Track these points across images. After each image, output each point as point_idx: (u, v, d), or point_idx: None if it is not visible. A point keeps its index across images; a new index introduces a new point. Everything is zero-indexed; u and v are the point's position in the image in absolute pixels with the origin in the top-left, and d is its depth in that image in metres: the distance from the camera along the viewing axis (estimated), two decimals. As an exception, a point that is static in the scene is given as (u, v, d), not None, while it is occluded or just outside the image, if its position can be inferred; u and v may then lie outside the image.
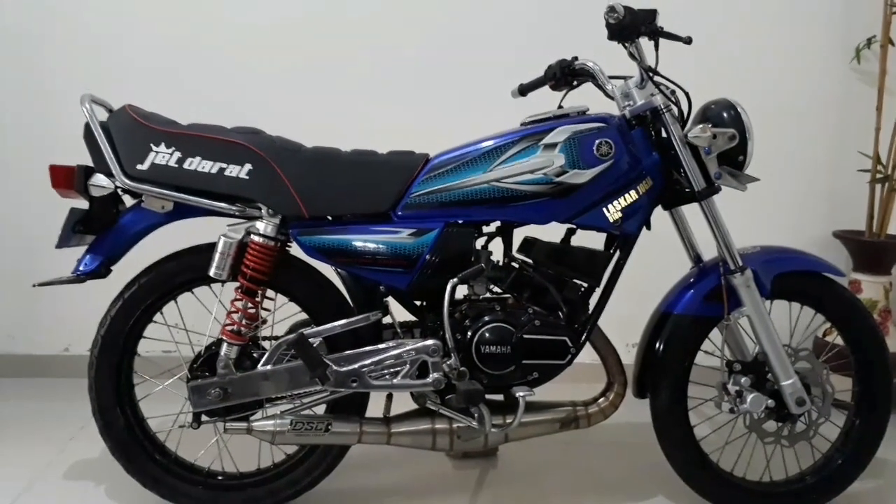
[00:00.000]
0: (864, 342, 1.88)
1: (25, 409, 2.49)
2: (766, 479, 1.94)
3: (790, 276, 1.83)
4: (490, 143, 1.71)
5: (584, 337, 1.77)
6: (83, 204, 1.71)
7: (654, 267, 2.36)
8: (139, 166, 1.66)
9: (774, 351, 1.79)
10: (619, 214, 1.72)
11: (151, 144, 1.66)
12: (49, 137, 2.68)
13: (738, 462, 1.99)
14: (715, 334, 1.85)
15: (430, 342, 1.70)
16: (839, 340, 1.93)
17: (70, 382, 2.69)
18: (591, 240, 1.84)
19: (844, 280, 2.05)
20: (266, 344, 1.81)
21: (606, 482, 2.09)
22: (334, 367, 1.68)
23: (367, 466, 2.12)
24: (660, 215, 1.82)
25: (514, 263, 1.83)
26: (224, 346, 1.72)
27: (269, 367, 1.72)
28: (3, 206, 2.72)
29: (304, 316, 1.84)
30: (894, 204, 2.72)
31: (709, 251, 1.87)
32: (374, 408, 1.84)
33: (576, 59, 1.83)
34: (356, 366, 1.69)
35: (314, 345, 1.69)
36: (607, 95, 1.78)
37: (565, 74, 1.84)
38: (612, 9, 1.68)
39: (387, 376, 1.71)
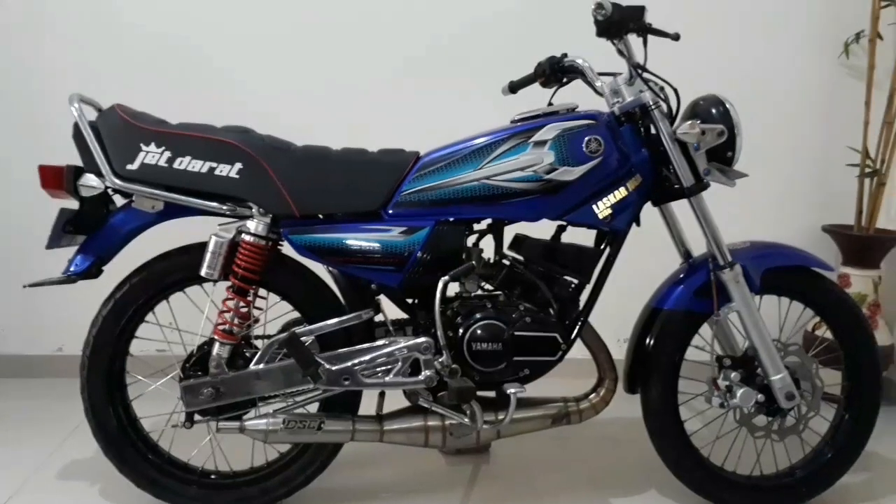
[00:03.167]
0: (853, 336, 1.89)
1: (18, 409, 2.48)
2: (756, 473, 1.96)
3: (779, 271, 1.84)
4: (480, 140, 1.71)
5: (574, 333, 1.78)
6: (73, 204, 1.70)
7: (644, 263, 2.37)
8: (129, 166, 1.66)
9: (764, 346, 1.80)
10: (609, 211, 1.73)
11: (141, 144, 1.66)
12: (39, 137, 2.67)
13: (728, 456, 2.01)
14: (705, 330, 1.86)
15: (421, 340, 1.70)
16: (828, 335, 1.94)
17: (63, 382, 2.68)
18: (581, 237, 1.84)
19: (833, 274, 2.07)
20: (258, 343, 1.81)
21: (598, 477, 2.10)
22: (326, 366, 1.68)
23: (360, 464, 2.13)
24: (649, 212, 1.83)
25: (504, 261, 1.83)
26: (216, 346, 1.72)
27: (261, 366, 1.72)
28: (-6, 207, 2.71)
29: (296, 315, 1.84)
30: (883, 198, 2.74)
31: (698, 247, 1.88)
32: (367, 406, 1.84)
33: (565, 55, 1.83)
34: (348, 364, 1.70)
35: (306, 343, 1.69)
36: (596, 92, 1.79)
37: (555, 71, 1.85)
38: (599, 5, 1.69)
39: (379, 374, 1.71)
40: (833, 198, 2.91)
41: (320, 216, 1.74)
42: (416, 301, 1.83)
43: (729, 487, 1.89)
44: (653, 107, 1.72)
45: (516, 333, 1.73)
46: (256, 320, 1.81)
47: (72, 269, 1.71)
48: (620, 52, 1.76)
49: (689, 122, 1.71)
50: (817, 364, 1.88)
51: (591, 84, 1.79)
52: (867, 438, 1.92)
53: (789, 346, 1.86)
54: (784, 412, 1.85)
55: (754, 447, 2.04)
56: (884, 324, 2.71)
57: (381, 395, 1.87)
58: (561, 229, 1.87)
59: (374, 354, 1.71)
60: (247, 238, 1.70)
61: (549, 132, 1.69)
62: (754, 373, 1.83)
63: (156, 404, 1.91)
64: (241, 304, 1.73)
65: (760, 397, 1.81)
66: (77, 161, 1.69)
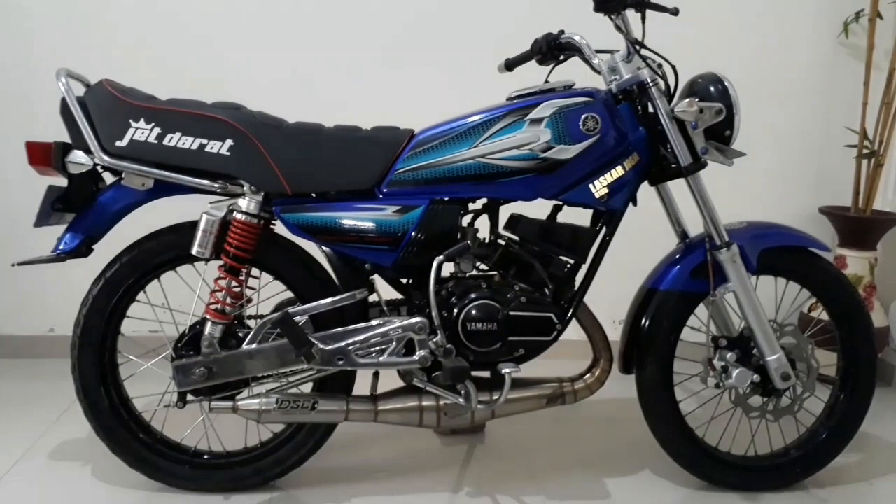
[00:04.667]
0: (848, 317, 1.89)
1: (9, 389, 2.47)
2: (751, 454, 1.96)
3: (776, 251, 1.84)
4: (476, 118, 1.69)
5: (570, 313, 1.77)
6: (62, 181, 1.68)
7: (641, 243, 2.36)
8: (118, 142, 1.63)
9: (760, 326, 1.79)
10: (606, 190, 1.71)
11: (130, 120, 1.63)
12: (27, 113, 2.63)
13: (723, 436, 2.01)
14: (701, 310, 1.85)
15: (416, 320, 1.69)
16: (824, 316, 1.94)
17: (55, 363, 2.68)
18: (577, 216, 1.83)
19: (830, 255, 2.05)
20: (251, 323, 1.80)
21: (593, 457, 2.10)
22: (320, 346, 1.67)
23: (354, 444, 2.12)
24: (646, 191, 1.82)
25: (500, 240, 1.82)
26: (208, 325, 1.71)
27: (254, 345, 1.71)
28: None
29: (289, 294, 1.82)
30: (880, 180, 2.73)
31: (695, 227, 1.87)
32: (361, 386, 1.83)
33: (562, 32, 1.80)
34: (342, 344, 1.68)
35: (300, 323, 1.68)
36: (594, 70, 1.77)
37: (552, 48, 1.82)
38: (597, -20, 1.66)
39: (373, 354, 1.70)
40: (830, 178, 2.90)
41: (313, 194, 1.72)
42: (411, 281, 1.82)
43: (724, 467, 1.90)
44: (650, 84, 1.70)
45: (511, 313, 1.71)
46: (249, 300, 1.79)
47: (61, 247, 1.69)
48: (618, 28, 1.74)
49: (688, 99, 1.69)
50: (813, 345, 1.88)
51: (588, 61, 1.76)
52: (862, 419, 1.92)
53: (785, 326, 1.86)
54: (779, 393, 1.85)
55: (749, 427, 2.05)
56: (879, 305, 2.71)
57: (376, 375, 1.87)
58: (557, 209, 1.86)
59: (368, 334, 1.69)
60: (238, 216, 1.68)
61: (545, 110, 1.67)
62: (750, 353, 1.83)
63: (148, 384, 1.90)
64: (234, 283, 1.71)
65: (756, 378, 1.81)
66: (65, 137, 1.66)
